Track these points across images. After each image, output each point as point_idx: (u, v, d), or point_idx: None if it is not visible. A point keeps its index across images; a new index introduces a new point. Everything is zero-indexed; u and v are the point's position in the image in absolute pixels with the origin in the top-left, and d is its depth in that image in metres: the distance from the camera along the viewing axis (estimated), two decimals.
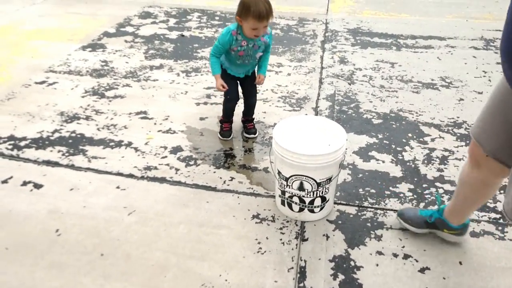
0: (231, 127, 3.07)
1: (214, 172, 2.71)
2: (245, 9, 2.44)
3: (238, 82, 2.92)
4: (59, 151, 2.86)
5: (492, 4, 6.38)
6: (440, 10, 6.10)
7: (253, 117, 3.12)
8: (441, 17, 5.78)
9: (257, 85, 2.96)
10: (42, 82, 3.79)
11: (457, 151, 2.93)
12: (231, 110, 3.02)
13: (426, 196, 2.52)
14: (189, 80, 3.88)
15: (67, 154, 2.83)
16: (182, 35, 4.96)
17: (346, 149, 2.88)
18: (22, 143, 2.93)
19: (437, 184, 2.62)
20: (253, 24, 2.46)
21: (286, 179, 2.22)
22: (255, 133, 3.05)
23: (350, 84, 3.86)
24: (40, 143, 2.94)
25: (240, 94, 3.01)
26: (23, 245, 2.15)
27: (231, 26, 2.62)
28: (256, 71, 2.92)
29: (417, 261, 2.09)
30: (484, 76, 4.06)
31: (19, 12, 5.65)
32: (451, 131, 3.17)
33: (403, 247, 2.17)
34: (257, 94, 3.04)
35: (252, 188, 2.57)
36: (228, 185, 2.60)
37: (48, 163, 2.75)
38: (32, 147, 2.89)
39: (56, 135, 3.04)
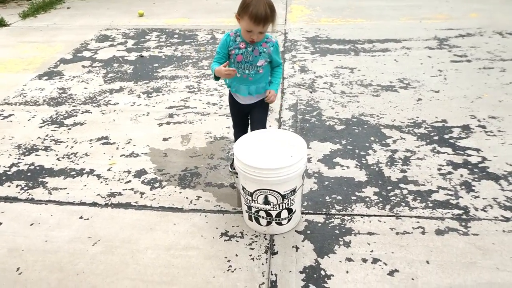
0: None
1: (180, 192, 2.67)
2: (244, 7, 2.23)
3: (247, 115, 2.64)
4: (17, 186, 2.76)
5: (443, 4, 6.61)
6: (394, 13, 6.27)
7: None
8: (396, 20, 5.94)
9: (267, 112, 2.64)
10: None
11: (418, 151, 2.99)
12: None
13: (391, 199, 2.55)
14: (150, 101, 3.84)
15: (26, 188, 2.74)
16: (141, 56, 4.92)
17: (310, 158, 2.91)
18: None
19: (401, 185, 2.66)
20: (248, 25, 2.23)
21: (251, 194, 2.20)
22: None
23: (311, 92, 3.90)
24: None
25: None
26: None
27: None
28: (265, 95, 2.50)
29: (386, 264, 2.11)
30: (439, 75, 4.18)
31: None
32: (411, 132, 3.23)
33: (372, 251, 2.19)
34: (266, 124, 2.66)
35: (219, 206, 2.55)
36: (195, 204, 2.56)
37: (6, 199, 2.65)
38: None
39: (14, 169, 2.94)
